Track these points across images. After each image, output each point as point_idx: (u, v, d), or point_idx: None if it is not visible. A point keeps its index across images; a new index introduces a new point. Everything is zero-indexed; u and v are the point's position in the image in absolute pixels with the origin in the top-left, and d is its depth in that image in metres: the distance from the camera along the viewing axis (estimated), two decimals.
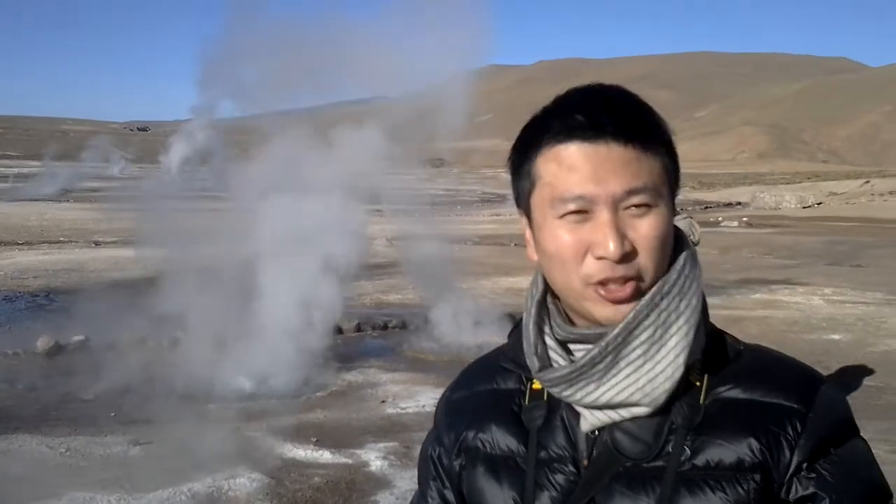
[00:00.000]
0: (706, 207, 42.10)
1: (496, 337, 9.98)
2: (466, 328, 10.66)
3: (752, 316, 12.13)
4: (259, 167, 9.80)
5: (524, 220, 1.20)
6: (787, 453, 1.09)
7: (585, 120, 1.09)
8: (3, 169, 61.96)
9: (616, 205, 1.08)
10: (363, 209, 10.24)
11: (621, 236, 1.08)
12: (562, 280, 1.13)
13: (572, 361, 1.14)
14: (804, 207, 41.74)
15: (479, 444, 1.25)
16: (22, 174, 53.02)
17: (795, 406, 1.11)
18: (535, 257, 1.19)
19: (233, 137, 20.83)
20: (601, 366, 1.10)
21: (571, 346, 1.17)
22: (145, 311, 9.38)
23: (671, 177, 1.14)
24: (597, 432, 1.16)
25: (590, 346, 1.12)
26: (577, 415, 1.17)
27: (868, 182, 52.15)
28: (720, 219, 33.06)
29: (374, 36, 10.15)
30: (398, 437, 6.87)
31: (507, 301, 12.83)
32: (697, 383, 1.14)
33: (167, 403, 7.82)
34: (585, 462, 1.16)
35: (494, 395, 1.28)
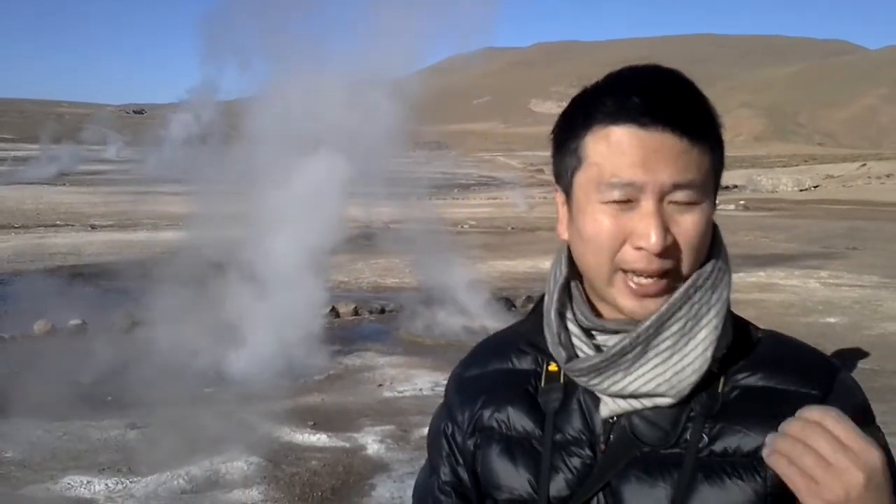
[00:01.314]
0: None
1: (493, 321, 10.03)
2: (463, 312, 10.67)
3: (749, 299, 12.15)
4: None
5: (561, 197, 1.17)
6: None
7: (642, 103, 1.06)
8: None
9: (662, 196, 1.06)
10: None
11: (664, 229, 1.05)
12: (594, 264, 1.11)
13: (598, 350, 1.13)
14: (801, 190, 41.82)
15: (495, 423, 1.23)
16: (18, 157, 52.91)
17: (813, 393, 1.10)
18: (564, 236, 1.17)
19: (229, 120, 20.75)
20: (630, 356, 1.09)
21: (595, 333, 1.15)
22: (142, 295, 9.37)
23: (717, 174, 1.12)
24: (615, 417, 1.15)
25: (612, 335, 1.12)
26: (595, 399, 1.16)
27: (865, 165, 52.23)
28: (716, 202, 33.01)
29: (372, 14, 10.07)
30: (395, 421, 6.86)
31: (504, 285, 12.86)
32: (716, 370, 1.13)
33: (164, 387, 7.83)
34: (602, 446, 1.15)
35: (509, 375, 1.26)
